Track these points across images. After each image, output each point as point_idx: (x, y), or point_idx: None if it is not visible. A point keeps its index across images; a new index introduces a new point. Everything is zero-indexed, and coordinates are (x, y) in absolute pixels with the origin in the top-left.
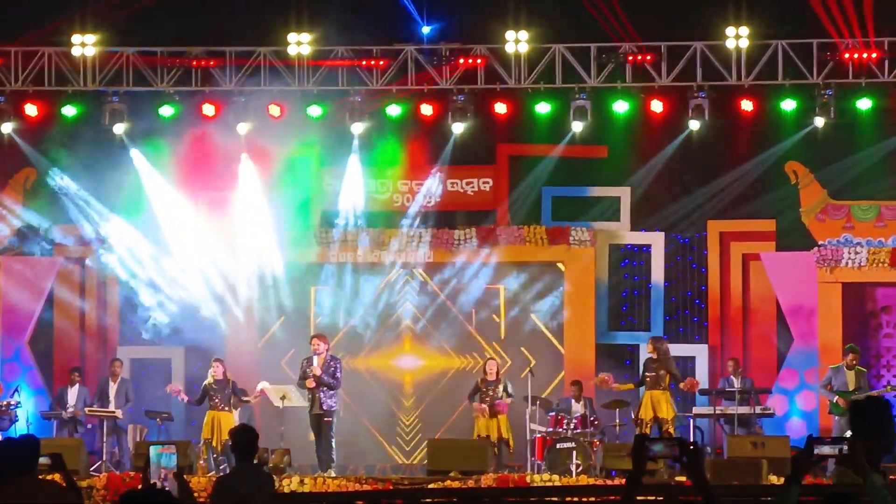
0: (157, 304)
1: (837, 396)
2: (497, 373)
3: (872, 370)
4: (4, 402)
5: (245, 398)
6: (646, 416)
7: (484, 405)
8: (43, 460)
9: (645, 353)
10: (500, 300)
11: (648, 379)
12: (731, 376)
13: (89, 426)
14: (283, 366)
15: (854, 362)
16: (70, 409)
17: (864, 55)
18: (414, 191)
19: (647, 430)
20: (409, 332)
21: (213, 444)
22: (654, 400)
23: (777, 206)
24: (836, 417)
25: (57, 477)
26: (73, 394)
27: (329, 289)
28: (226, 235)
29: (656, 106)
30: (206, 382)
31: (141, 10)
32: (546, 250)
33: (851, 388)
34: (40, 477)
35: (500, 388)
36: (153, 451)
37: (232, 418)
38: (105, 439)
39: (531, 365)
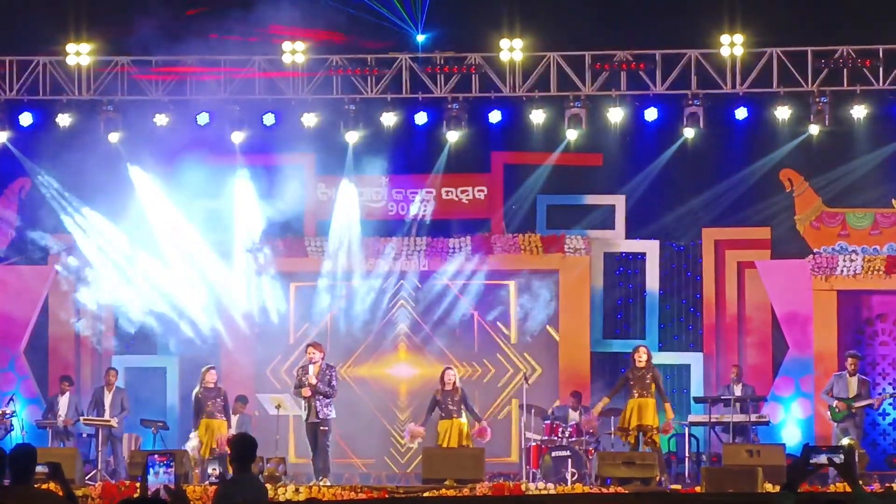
0: (152, 313)
1: (837, 401)
2: (454, 382)
3: (868, 378)
4: (0, 412)
5: (229, 413)
6: (631, 423)
7: (419, 428)
8: (41, 469)
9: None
10: (495, 308)
11: (634, 386)
12: (731, 384)
13: (85, 435)
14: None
15: (854, 367)
16: (61, 419)
17: (859, 62)
18: (409, 199)
19: (633, 440)
20: (404, 340)
21: (202, 452)
22: (641, 407)
23: (772, 214)
24: (835, 424)
25: (53, 486)
26: (63, 403)
27: (323, 297)
28: (220, 244)
29: (651, 114)
30: (195, 392)
31: (135, 20)
32: (541, 258)
33: (852, 394)
34: (37, 486)
35: (458, 398)
36: (151, 462)
37: (225, 426)
38: (100, 448)
39: (523, 371)
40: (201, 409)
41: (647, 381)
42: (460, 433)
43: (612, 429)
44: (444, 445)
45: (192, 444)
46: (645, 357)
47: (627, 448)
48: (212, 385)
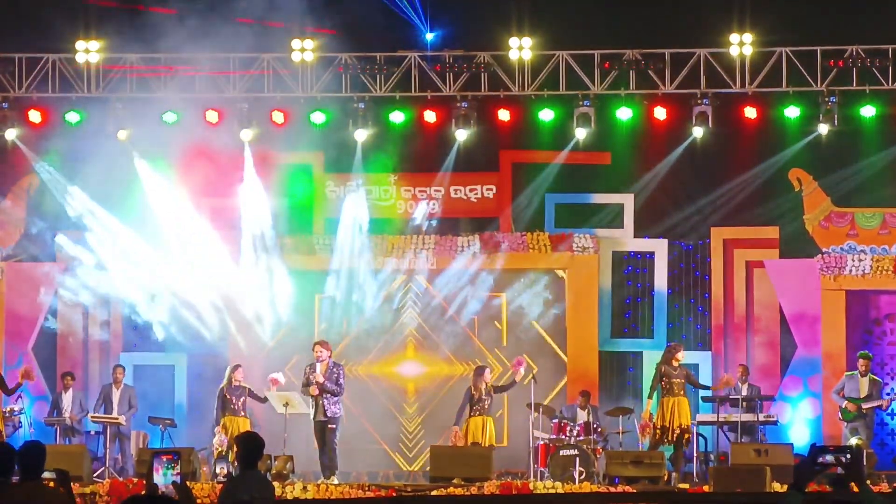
0: (161, 310)
1: (847, 401)
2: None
3: (879, 378)
4: (8, 409)
5: (261, 395)
6: (675, 422)
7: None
8: (48, 475)
9: (649, 360)
10: (502, 307)
11: (676, 385)
12: (738, 383)
13: (93, 432)
14: (286, 372)
15: (865, 368)
16: (66, 415)
17: (869, 62)
18: (417, 198)
19: (671, 436)
20: (412, 339)
21: (227, 449)
22: (680, 405)
23: (781, 214)
24: (845, 423)
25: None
26: (67, 399)
27: (332, 296)
28: (228, 242)
29: (660, 113)
30: (221, 388)
31: (144, 17)
32: (549, 257)
33: (863, 394)
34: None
35: (492, 394)
36: (157, 460)
37: (248, 423)
38: (108, 446)
39: (534, 372)
40: (225, 406)
41: (682, 381)
42: (492, 430)
43: (620, 428)
44: (482, 443)
45: (217, 439)
46: (682, 356)
47: (645, 446)
48: (237, 383)
